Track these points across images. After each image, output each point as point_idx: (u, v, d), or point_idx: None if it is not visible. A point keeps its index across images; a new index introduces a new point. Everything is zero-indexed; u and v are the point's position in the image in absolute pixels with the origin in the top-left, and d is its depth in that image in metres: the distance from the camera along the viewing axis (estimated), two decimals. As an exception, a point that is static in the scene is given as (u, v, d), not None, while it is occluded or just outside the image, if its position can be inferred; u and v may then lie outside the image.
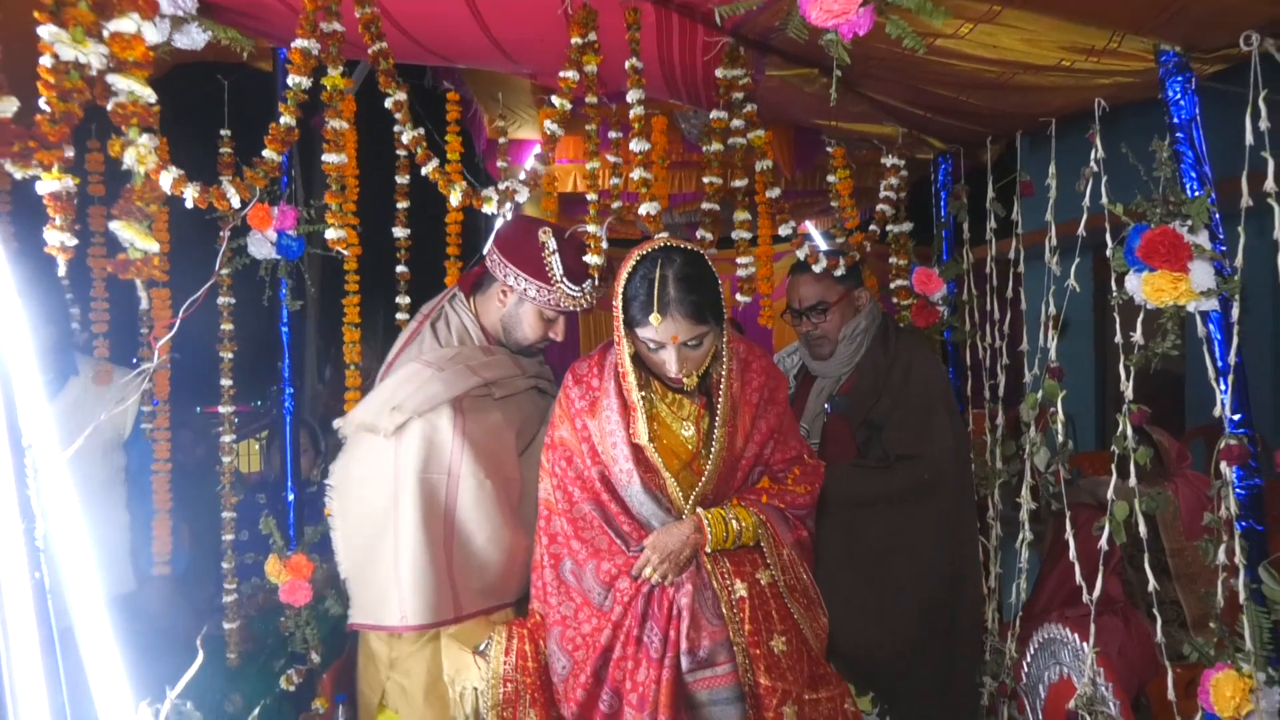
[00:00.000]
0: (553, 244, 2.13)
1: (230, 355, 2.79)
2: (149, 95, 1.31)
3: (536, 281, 2.11)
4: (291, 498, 2.88)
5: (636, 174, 2.19)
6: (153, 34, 1.28)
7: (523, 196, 2.03)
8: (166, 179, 1.54)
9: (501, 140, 3.45)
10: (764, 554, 1.93)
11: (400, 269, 2.89)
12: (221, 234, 3.02)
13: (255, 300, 2.90)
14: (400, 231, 2.82)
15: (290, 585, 2.76)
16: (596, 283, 2.16)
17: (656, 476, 1.89)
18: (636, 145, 2.19)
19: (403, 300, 2.91)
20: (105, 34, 1.14)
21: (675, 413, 1.93)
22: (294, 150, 2.82)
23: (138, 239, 1.30)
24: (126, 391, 2.20)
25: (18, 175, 1.29)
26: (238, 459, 5.58)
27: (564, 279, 2.10)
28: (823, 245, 2.53)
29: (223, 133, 2.91)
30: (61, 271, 1.58)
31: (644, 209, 2.15)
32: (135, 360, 2.93)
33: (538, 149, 3.85)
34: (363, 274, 2.91)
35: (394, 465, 2.00)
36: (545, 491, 1.97)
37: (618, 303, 1.82)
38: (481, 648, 1.94)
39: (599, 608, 1.88)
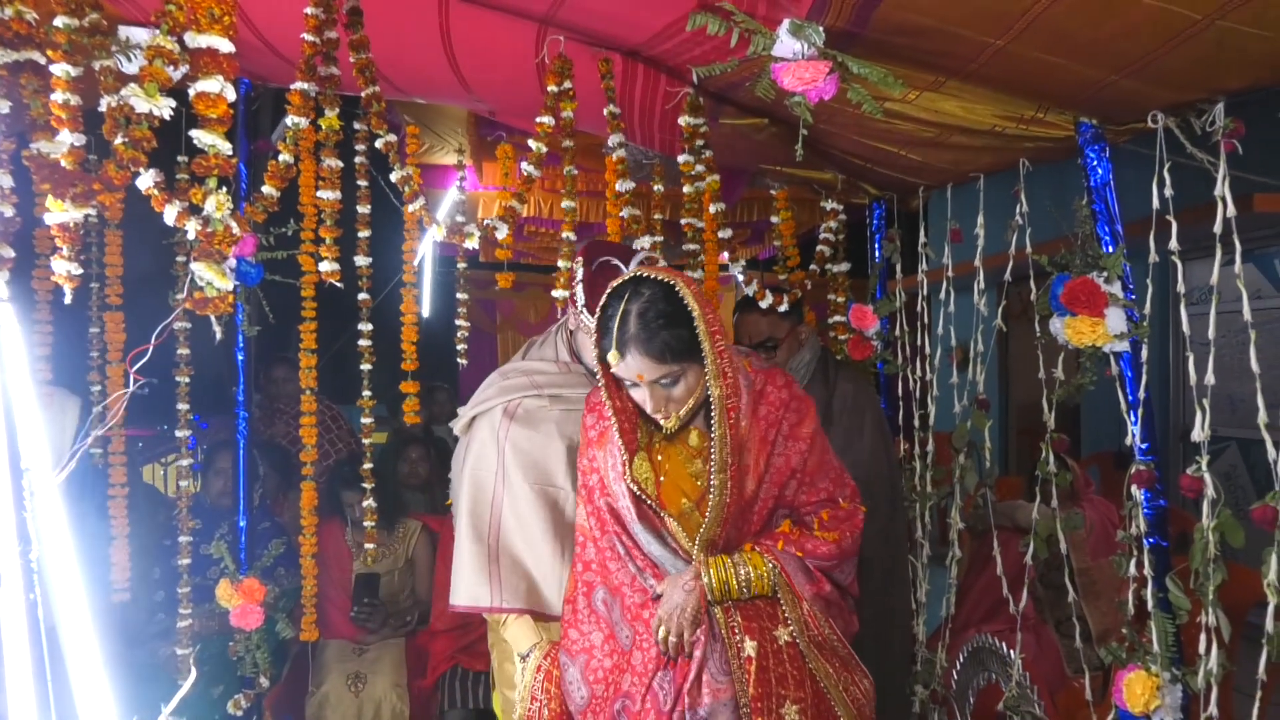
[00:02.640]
0: (580, 272, 2.02)
1: (186, 380, 2.79)
2: (228, 148, 1.39)
3: (573, 308, 2.04)
4: (243, 522, 2.89)
5: (625, 212, 2.33)
6: (232, 93, 1.36)
7: (502, 233, 2.13)
8: (171, 212, 1.60)
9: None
10: (782, 607, 1.73)
11: (362, 296, 2.94)
12: (180, 260, 3.05)
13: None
14: (362, 259, 2.88)
15: (242, 609, 2.77)
16: None
17: (655, 517, 1.73)
18: (622, 185, 2.33)
19: (365, 327, 2.96)
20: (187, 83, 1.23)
21: (684, 447, 1.76)
22: (250, 176, 2.87)
23: (216, 279, 1.37)
24: (108, 414, 2.19)
25: (78, 214, 1.35)
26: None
27: (584, 309, 1.98)
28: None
29: (180, 159, 2.94)
30: (68, 300, 1.62)
31: (639, 243, 2.29)
32: (110, 387, 2.92)
33: (461, 178, 3.96)
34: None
35: (462, 460, 2.13)
36: (582, 518, 1.86)
37: (595, 333, 1.70)
38: (524, 653, 1.97)
39: (622, 645, 1.76)
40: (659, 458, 1.77)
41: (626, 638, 1.75)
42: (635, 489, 1.70)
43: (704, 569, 1.69)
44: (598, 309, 1.68)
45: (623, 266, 1.95)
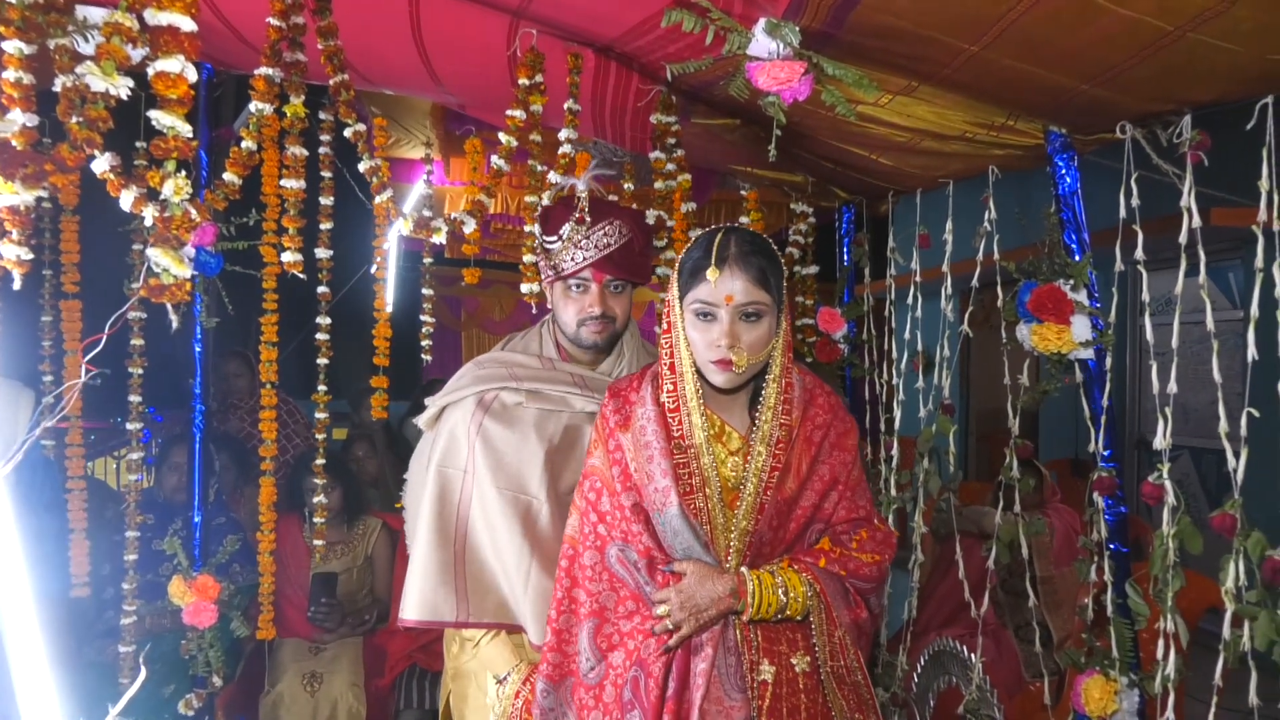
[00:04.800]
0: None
1: (140, 371, 2.71)
2: (187, 130, 1.34)
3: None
4: (198, 518, 2.82)
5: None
6: (193, 74, 1.31)
7: (469, 227, 2.10)
8: (127, 198, 1.55)
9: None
10: (810, 631, 1.59)
11: (321, 289, 2.89)
12: (136, 248, 2.97)
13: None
14: (323, 252, 2.83)
15: (195, 607, 2.70)
16: (580, 229, 1.87)
17: (696, 496, 1.59)
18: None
19: (323, 321, 2.91)
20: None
21: (721, 447, 1.64)
22: (211, 163, 2.81)
23: (173, 265, 1.32)
24: (59, 405, 2.12)
25: (29, 196, 1.29)
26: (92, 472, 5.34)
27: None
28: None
29: (138, 143, 2.86)
30: (17, 286, 1.56)
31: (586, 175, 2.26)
32: (67, 377, 2.84)
33: (429, 172, 3.92)
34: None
35: (427, 457, 1.96)
36: (572, 528, 1.70)
37: (675, 280, 1.62)
38: (502, 676, 1.84)
39: (583, 677, 1.61)
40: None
41: (593, 670, 1.60)
42: (702, 445, 1.58)
43: (749, 591, 1.55)
44: (682, 252, 1.64)
45: (580, 185, 1.92)
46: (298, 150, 2.05)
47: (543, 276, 1.99)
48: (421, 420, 2.04)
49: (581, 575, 1.65)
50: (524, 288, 2.44)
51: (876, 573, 1.64)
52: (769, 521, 1.60)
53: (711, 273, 1.53)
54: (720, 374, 1.56)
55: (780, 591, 1.55)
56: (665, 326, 1.65)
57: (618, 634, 1.61)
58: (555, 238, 1.89)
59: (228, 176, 1.70)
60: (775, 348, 1.61)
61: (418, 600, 1.83)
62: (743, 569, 1.57)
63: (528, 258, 2.48)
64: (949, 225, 2.53)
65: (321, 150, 2.91)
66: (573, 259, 1.88)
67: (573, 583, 1.68)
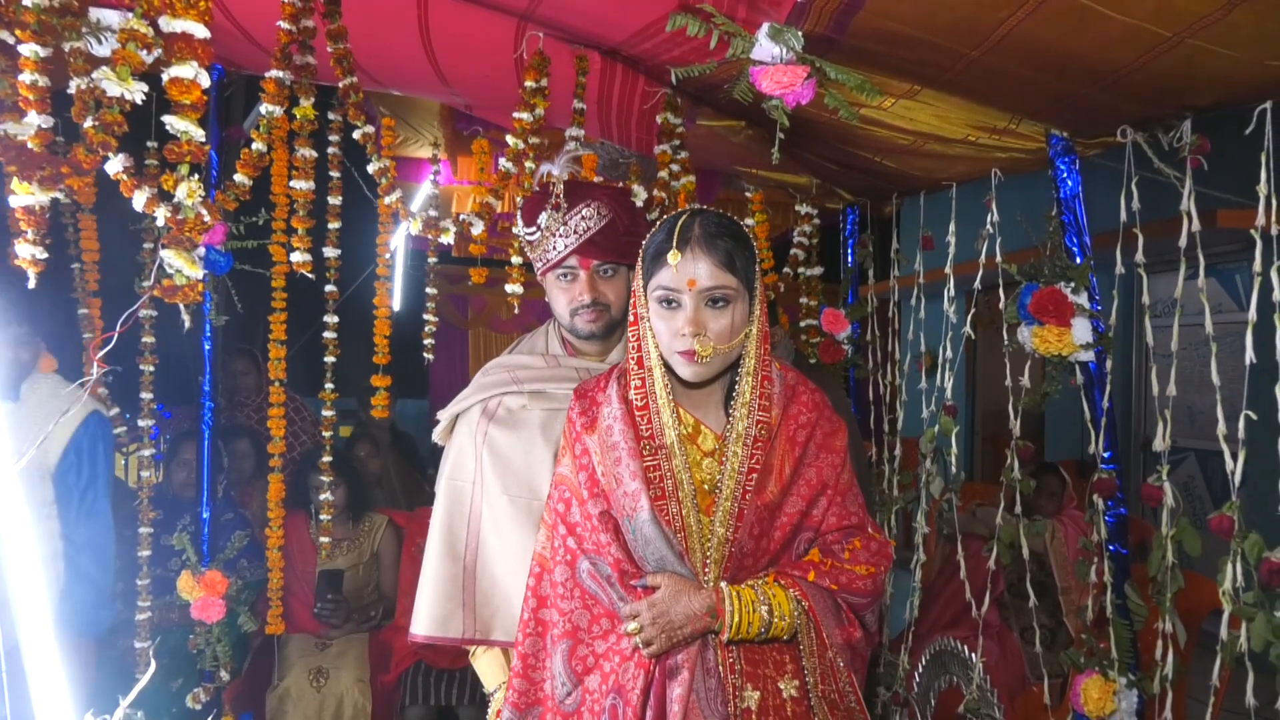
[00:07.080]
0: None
1: (151, 368, 2.75)
2: (201, 135, 1.37)
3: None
4: (206, 514, 2.86)
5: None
6: (206, 79, 1.34)
7: (478, 228, 2.12)
8: (140, 198, 1.58)
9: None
10: (799, 652, 1.47)
11: (329, 288, 2.92)
12: (146, 246, 3.01)
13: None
14: (331, 251, 2.86)
15: (203, 602, 2.74)
16: (556, 216, 1.78)
17: (669, 501, 1.47)
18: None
19: (331, 319, 2.94)
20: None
21: (694, 448, 1.52)
22: (221, 163, 2.84)
23: (186, 267, 1.34)
24: (70, 402, 2.14)
25: (45, 197, 1.32)
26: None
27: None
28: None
29: (150, 144, 2.90)
30: (31, 284, 1.59)
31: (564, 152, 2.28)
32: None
33: (435, 172, 3.95)
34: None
35: (441, 471, 1.92)
36: (540, 544, 1.60)
37: (639, 267, 1.52)
38: (491, 690, 1.81)
39: (559, 704, 1.50)
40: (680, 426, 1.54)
41: (569, 696, 1.49)
42: (674, 446, 1.47)
43: (727, 610, 1.42)
44: (646, 236, 1.52)
45: (554, 170, 1.84)
46: (307, 152, 2.07)
47: (536, 271, 1.91)
48: (436, 434, 1.99)
49: (553, 594, 1.55)
50: (509, 288, 2.45)
51: (871, 586, 1.50)
52: (749, 530, 1.47)
53: (673, 256, 1.43)
54: (686, 366, 1.45)
55: (763, 610, 1.43)
56: (632, 318, 1.54)
57: (593, 655, 1.51)
58: (534, 228, 1.81)
59: (239, 178, 1.73)
60: (749, 338, 1.49)
61: (426, 616, 1.82)
62: (722, 584, 1.45)
63: (516, 259, 2.49)
64: (952, 227, 2.55)
65: (330, 150, 2.95)
66: (554, 247, 1.80)
67: (539, 603, 1.58)
